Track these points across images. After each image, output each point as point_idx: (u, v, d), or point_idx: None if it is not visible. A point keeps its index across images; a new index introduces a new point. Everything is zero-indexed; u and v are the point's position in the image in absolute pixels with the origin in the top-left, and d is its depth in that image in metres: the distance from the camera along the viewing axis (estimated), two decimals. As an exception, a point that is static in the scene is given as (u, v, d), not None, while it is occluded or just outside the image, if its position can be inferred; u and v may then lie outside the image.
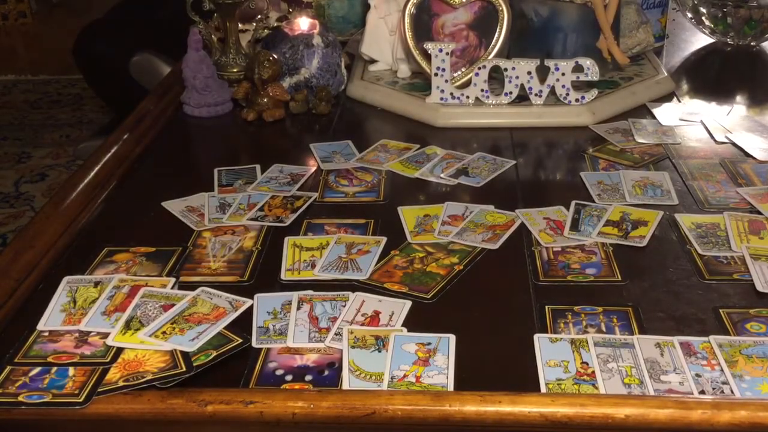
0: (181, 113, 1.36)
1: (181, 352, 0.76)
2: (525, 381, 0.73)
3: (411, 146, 1.21)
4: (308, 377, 0.74)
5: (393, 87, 1.37)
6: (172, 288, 0.87)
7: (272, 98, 1.31)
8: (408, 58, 1.38)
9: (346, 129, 1.29)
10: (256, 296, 0.85)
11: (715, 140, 1.21)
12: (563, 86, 1.26)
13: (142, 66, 2.33)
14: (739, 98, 1.40)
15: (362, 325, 0.81)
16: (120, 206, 1.08)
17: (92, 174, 1.11)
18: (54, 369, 0.75)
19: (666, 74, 1.42)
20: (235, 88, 1.35)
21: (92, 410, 0.70)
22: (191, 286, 0.87)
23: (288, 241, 0.96)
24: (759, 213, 1.00)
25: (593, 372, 0.73)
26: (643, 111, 1.33)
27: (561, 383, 0.72)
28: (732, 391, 0.71)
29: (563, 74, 1.26)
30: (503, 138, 1.24)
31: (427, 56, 1.29)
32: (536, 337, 0.78)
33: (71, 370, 0.74)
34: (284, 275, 0.90)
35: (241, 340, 0.78)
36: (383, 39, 1.41)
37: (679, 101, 1.37)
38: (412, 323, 0.81)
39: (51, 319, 0.82)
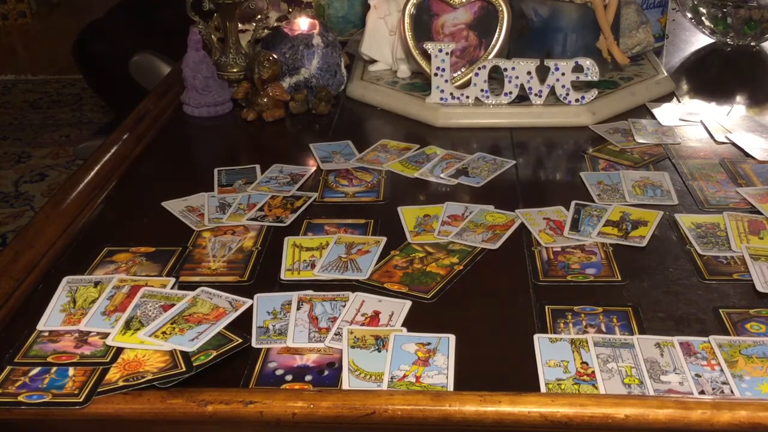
0: (181, 113, 1.36)
1: (181, 352, 0.76)
2: (525, 381, 0.73)
3: (411, 146, 1.21)
4: (308, 377, 0.74)
5: (393, 87, 1.37)
6: (172, 288, 0.87)
7: (272, 98, 1.31)
8: (408, 58, 1.38)
9: (346, 129, 1.29)
10: (255, 296, 0.85)
11: (715, 140, 1.21)
12: (563, 86, 1.27)
13: (142, 66, 2.33)
14: (739, 98, 1.40)
15: (362, 325, 0.81)
16: (120, 206, 1.08)
17: (92, 174, 1.11)
18: (54, 369, 0.75)
19: (666, 74, 1.42)
20: (235, 88, 1.35)
21: (92, 410, 0.70)
22: (191, 286, 0.87)
23: (288, 241, 0.96)
24: (759, 213, 1.00)
25: (593, 372, 0.73)
26: (643, 111, 1.33)
27: (561, 383, 0.72)
28: (732, 391, 0.71)
29: (563, 74, 1.26)
30: (503, 138, 1.24)
31: (427, 56, 1.29)
32: (536, 337, 0.78)
33: (71, 370, 0.74)
34: (284, 275, 0.90)
35: (241, 340, 0.78)
36: (383, 39, 1.41)
37: (679, 101, 1.37)
38: (412, 323, 0.81)
39: (51, 319, 0.82)
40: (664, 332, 0.79)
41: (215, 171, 1.14)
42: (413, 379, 0.73)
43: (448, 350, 0.76)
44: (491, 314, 0.83)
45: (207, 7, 1.39)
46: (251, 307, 0.84)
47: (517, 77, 1.26)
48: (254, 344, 0.78)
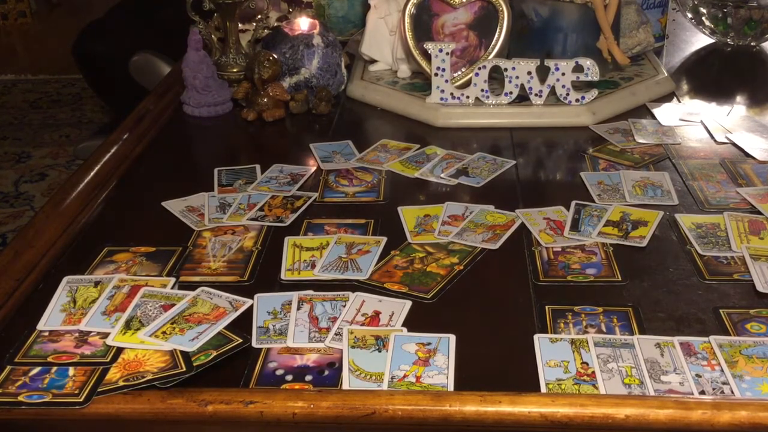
0: (181, 113, 1.36)
1: (181, 352, 0.76)
2: (525, 381, 0.73)
3: (411, 146, 1.21)
4: (308, 377, 0.74)
5: (393, 87, 1.37)
6: (172, 288, 0.87)
7: (272, 98, 1.31)
8: (408, 58, 1.38)
9: (346, 129, 1.29)
10: (256, 296, 0.85)
11: (715, 140, 1.21)
12: (563, 86, 1.26)
13: (142, 66, 2.33)
14: (739, 98, 1.40)
15: (362, 325, 0.81)
16: (120, 206, 1.08)
17: (92, 174, 1.11)
18: (54, 369, 0.75)
19: (666, 74, 1.42)
20: (235, 88, 1.35)
21: (92, 410, 0.70)
22: (191, 286, 0.87)
23: (288, 241, 0.96)
24: (759, 213, 1.00)
25: (593, 372, 0.73)
26: (643, 111, 1.33)
27: (561, 383, 0.72)
28: (732, 392, 0.71)
29: (563, 74, 1.26)
30: (503, 138, 1.24)
31: (427, 56, 1.29)
32: (536, 337, 0.78)
33: (71, 370, 0.74)
34: (284, 275, 0.90)
35: (241, 340, 0.78)
36: (383, 39, 1.41)
37: (679, 101, 1.37)
38: (412, 323, 0.81)
39: (51, 319, 0.82)
40: (665, 332, 0.79)
41: (215, 171, 1.14)
42: (413, 379, 0.73)
43: (448, 350, 0.76)
44: (491, 314, 0.83)
45: (207, 7, 1.39)
46: (251, 307, 0.84)
47: (517, 77, 1.26)
48: (254, 344, 0.78)
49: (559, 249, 0.94)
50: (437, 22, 1.33)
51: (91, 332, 0.80)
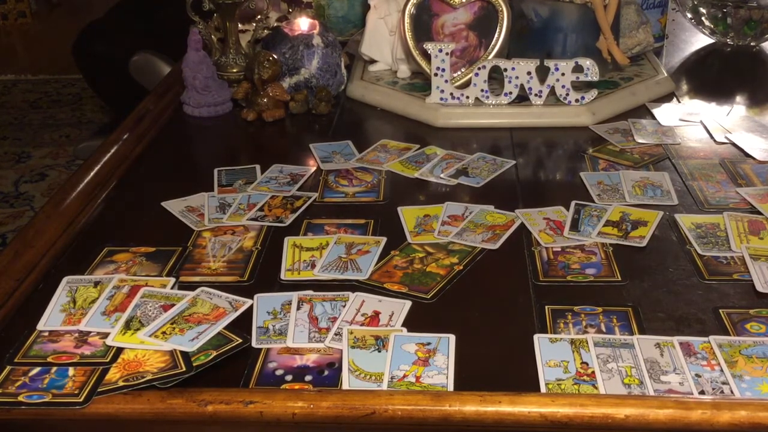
0: (181, 113, 1.36)
1: (181, 352, 0.76)
2: (525, 381, 0.73)
3: (411, 146, 1.21)
4: (308, 377, 0.74)
5: (393, 87, 1.37)
6: (172, 288, 0.87)
7: (272, 98, 1.31)
8: (408, 58, 1.38)
9: (346, 129, 1.29)
10: (255, 296, 0.85)
11: (715, 140, 1.22)
12: (563, 86, 1.27)
13: (142, 66, 2.33)
14: (739, 98, 1.40)
15: (362, 325, 0.81)
16: (120, 206, 1.08)
17: (92, 174, 1.11)
18: (54, 369, 0.75)
19: (666, 74, 1.42)
20: (235, 88, 1.35)
21: (92, 410, 0.70)
22: (191, 286, 0.87)
23: (288, 241, 0.96)
24: (759, 213, 1.00)
25: (593, 372, 0.73)
26: (643, 111, 1.33)
27: (561, 383, 0.72)
28: (732, 392, 0.71)
29: (563, 74, 1.26)
30: (503, 138, 1.24)
31: (427, 56, 1.29)
32: (536, 337, 0.78)
33: (71, 370, 0.74)
34: (284, 275, 0.90)
35: (241, 340, 0.78)
36: (383, 39, 1.41)
37: (679, 101, 1.37)
38: (412, 323, 0.81)
39: (51, 319, 0.82)
40: (664, 332, 0.79)
41: (215, 171, 1.14)
42: (413, 379, 0.73)
43: (448, 350, 0.76)
44: (491, 314, 0.83)
45: (207, 7, 1.39)
46: (251, 307, 0.84)
47: (517, 77, 1.26)
48: (254, 344, 0.78)
49: (559, 249, 0.94)
50: (437, 22, 1.33)
51: (91, 332, 0.80)
